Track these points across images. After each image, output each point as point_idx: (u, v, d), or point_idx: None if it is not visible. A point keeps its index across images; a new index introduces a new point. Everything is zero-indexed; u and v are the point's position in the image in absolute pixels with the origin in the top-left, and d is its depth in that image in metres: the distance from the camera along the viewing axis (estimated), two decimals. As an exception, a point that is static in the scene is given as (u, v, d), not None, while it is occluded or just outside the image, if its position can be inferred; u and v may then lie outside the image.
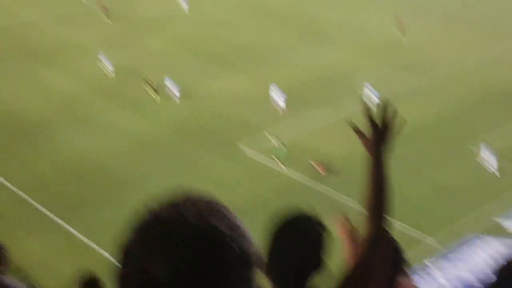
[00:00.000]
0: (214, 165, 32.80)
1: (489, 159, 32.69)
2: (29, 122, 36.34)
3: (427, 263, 25.26)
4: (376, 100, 34.01)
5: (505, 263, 2.64)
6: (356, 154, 33.43)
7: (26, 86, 40.48)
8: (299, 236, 2.94)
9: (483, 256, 23.88)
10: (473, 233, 27.52)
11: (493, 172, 32.33)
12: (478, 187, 31.29)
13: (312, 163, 32.02)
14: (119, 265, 1.55)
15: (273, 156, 33.14)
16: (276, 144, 33.63)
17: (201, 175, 31.33)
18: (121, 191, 30.19)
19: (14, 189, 30.51)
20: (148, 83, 38.59)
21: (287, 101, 38.22)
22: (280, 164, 32.94)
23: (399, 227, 27.89)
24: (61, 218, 28.70)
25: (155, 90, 38.39)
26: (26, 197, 29.99)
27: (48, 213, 28.99)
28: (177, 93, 38.76)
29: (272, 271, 2.90)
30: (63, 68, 43.04)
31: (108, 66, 41.85)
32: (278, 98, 37.52)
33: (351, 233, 3.39)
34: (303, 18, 52.03)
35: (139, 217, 1.56)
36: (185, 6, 53.54)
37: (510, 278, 2.60)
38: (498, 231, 27.26)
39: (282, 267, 2.89)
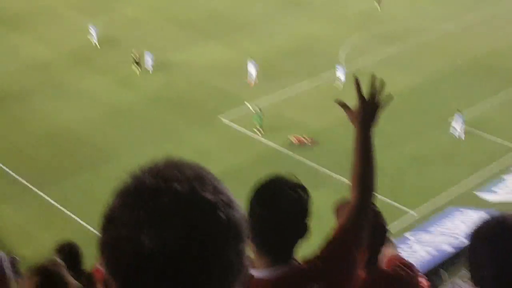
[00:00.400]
0: (191, 134, 32.69)
1: (458, 127, 33.18)
2: (2, 89, 35.73)
3: (407, 235, 25.54)
4: (343, 76, 33.97)
5: (476, 227, 2.64)
6: (332, 123, 33.77)
7: (-2, 52, 39.73)
8: (282, 200, 2.83)
9: (462, 228, 24.21)
10: (452, 205, 27.83)
11: (459, 137, 33.00)
12: (455, 158, 31.66)
13: (290, 137, 31.99)
14: (102, 231, 1.50)
15: (253, 123, 33.20)
16: (253, 111, 33.59)
17: (179, 144, 31.23)
18: (97, 160, 30.00)
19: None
20: (133, 58, 37.75)
21: (262, 70, 38.05)
22: (257, 131, 32.97)
23: (378, 199, 28.16)
24: (37, 187, 28.47)
25: (138, 64, 37.69)
26: (1, 165, 29.66)
27: (24, 181, 28.72)
28: (151, 63, 38.35)
29: (255, 238, 2.81)
30: (35, 34, 42.22)
31: (94, 37, 40.95)
32: (252, 70, 37.17)
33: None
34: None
35: (122, 183, 1.51)
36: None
37: (478, 239, 2.56)
38: (478, 204, 27.58)
39: (267, 233, 2.80)
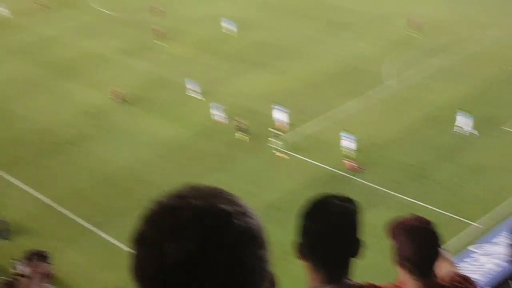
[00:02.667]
0: (246, 162, 32.79)
1: (465, 125, 33.36)
2: (61, 136, 36.74)
3: (472, 249, 24.76)
4: (353, 144, 32.29)
5: None
6: (384, 140, 33.40)
7: (54, 100, 40.91)
8: (330, 213, 2.78)
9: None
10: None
11: (471, 133, 32.98)
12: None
13: (344, 161, 31.62)
14: (131, 255, 1.60)
15: (280, 149, 33.31)
16: (278, 136, 33.61)
17: (234, 174, 31.34)
18: (155, 196, 30.31)
19: (50, 201, 30.91)
20: (237, 126, 35.04)
21: (310, 93, 38.07)
22: (284, 155, 33.13)
23: (439, 214, 27.61)
24: (97, 227, 29.00)
25: (244, 131, 34.79)
26: (61, 209, 30.37)
27: (84, 223, 29.31)
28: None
29: (310, 255, 2.79)
30: (87, 79, 43.43)
31: (195, 90, 39.83)
32: (279, 115, 36.23)
33: None
34: (322, 11, 51.75)
35: (149, 208, 1.65)
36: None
37: None
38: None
39: (319, 249, 2.77)
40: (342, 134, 32.33)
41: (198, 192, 1.62)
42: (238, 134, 34.46)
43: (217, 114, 36.52)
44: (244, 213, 1.60)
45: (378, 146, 33.32)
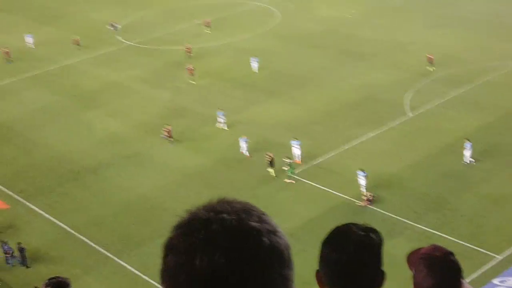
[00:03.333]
0: (263, 191, 32.86)
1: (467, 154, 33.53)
2: (80, 164, 37.16)
3: (495, 282, 24.45)
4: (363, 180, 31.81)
5: None
6: (402, 169, 33.24)
7: (74, 129, 41.47)
8: (353, 243, 2.72)
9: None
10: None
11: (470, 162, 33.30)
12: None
13: (359, 203, 31.46)
14: (162, 260, 1.69)
15: (288, 175, 33.58)
16: (287, 163, 33.66)
17: (251, 201, 31.39)
18: (173, 224, 30.44)
19: (69, 229, 31.18)
20: (268, 161, 34.26)
21: (327, 124, 38.23)
22: (291, 181, 33.47)
23: (461, 245, 27.29)
24: (117, 255, 29.16)
25: (272, 165, 34.20)
26: (81, 236, 30.60)
27: (103, 250, 29.50)
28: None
29: (331, 285, 2.72)
30: (107, 109, 44.02)
31: (221, 121, 39.50)
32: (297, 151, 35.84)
33: None
34: (336, 41, 52.12)
35: (180, 218, 1.74)
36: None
37: None
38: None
39: (341, 280, 2.70)
40: (358, 172, 32.00)
41: (230, 207, 1.69)
42: (269, 170, 34.08)
43: (243, 147, 36.63)
44: (273, 232, 1.66)
45: (395, 175, 33.25)
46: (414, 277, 3.38)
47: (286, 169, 33.71)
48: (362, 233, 2.75)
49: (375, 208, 30.81)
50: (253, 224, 1.65)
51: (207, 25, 56.08)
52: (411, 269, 3.47)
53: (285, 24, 57.16)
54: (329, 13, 58.07)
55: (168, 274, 1.65)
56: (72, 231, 30.95)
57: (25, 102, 45.78)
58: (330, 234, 2.81)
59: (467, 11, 55.52)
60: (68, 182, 35.44)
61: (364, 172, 31.66)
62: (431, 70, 42.75)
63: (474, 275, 25.15)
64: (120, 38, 57.10)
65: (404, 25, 53.89)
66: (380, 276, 2.75)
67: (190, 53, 50.40)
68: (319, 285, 2.77)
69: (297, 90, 43.80)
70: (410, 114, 39.37)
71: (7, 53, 52.67)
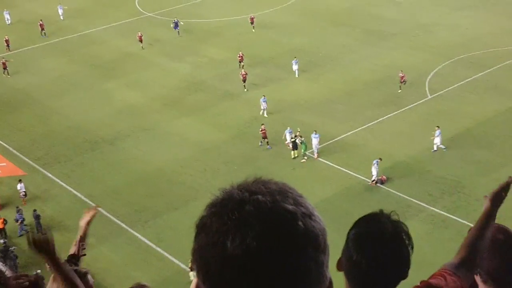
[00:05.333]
0: (278, 167, 32.83)
1: (437, 141, 33.23)
2: (97, 134, 37.35)
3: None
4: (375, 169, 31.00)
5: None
6: (420, 152, 32.93)
7: (92, 99, 41.61)
8: (386, 254, 2.63)
9: None
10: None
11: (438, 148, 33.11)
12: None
13: (371, 181, 31.34)
14: (194, 239, 1.64)
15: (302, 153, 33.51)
16: (299, 142, 33.52)
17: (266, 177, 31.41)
18: (188, 198, 30.64)
19: (84, 198, 31.42)
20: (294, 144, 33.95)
21: (348, 103, 37.98)
22: (304, 159, 33.45)
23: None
24: (131, 227, 29.39)
25: (294, 147, 33.84)
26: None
27: (119, 222, 29.73)
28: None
29: (352, 283, 2.68)
30: (126, 80, 44.06)
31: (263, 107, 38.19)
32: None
33: None
34: (360, 20, 51.57)
35: (214, 196, 1.67)
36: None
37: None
38: None
39: (365, 283, 2.65)
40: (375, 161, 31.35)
41: (266, 188, 1.64)
42: (292, 152, 33.85)
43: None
44: (308, 215, 1.62)
45: (412, 157, 33.04)
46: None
47: (303, 147, 33.64)
48: (395, 243, 2.66)
49: (390, 190, 30.69)
50: (288, 206, 1.60)
51: (251, 22, 50.94)
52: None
53: (307, 0, 56.62)
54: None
55: (199, 254, 1.62)
56: (88, 201, 31.18)
57: (44, 70, 45.93)
58: (360, 236, 2.68)
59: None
60: (85, 152, 35.66)
61: (378, 161, 31.28)
62: (399, 91, 39.08)
63: None
64: (141, 8, 56.93)
65: (429, 6, 53.13)
66: (407, 268, 2.74)
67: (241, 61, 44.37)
68: (338, 270, 2.69)
69: (318, 68, 43.49)
70: (430, 96, 38.99)
71: (41, 25, 52.17)
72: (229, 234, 1.56)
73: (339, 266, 2.69)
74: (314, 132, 33.94)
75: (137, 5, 58.01)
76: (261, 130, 34.86)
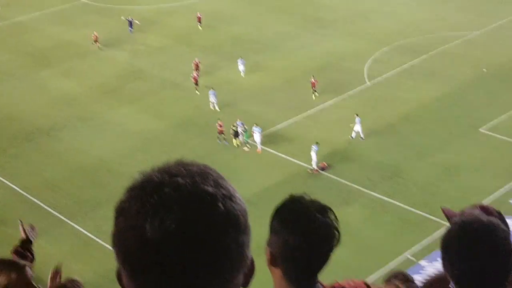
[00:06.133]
0: (222, 157, 32.78)
1: (357, 129, 33.68)
2: (33, 124, 36.35)
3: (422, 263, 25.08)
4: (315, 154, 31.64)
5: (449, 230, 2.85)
6: (357, 139, 33.50)
7: (27, 88, 40.46)
8: (314, 226, 2.68)
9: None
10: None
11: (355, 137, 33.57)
12: (487, 166, 31.18)
13: (312, 169, 31.61)
14: (114, 224, 1.61)
15: (245, 141, 33.65)
16: (242, 130, 33.71)
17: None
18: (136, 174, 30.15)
19: (22, 191, 30.58)
20: (233, 130, 33.85)
21: (288, 90, 38.18)
22: (245, 147, 33.60)
23: (413, 213, 27.87)
24: (70, 219, 28.78)
25: (236, 135, 34.04)
26: (34, 199, 30.07)
27: (57, 214, 29.07)
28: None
29: (283, 263, 2.71)
30: (62, 68, 43.01)
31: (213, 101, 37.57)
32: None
33: None
34: (300, 7, 51.83)
35: (133, 180, 1.66)
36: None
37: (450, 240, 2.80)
38: None
39: (296, 260, 2.69)
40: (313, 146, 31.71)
41: (186, 170, 1.62)
42: (234, 140, 33.90)
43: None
44: (229, 197, 1.59)
45: (352, 143, 33.54)
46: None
47: (245, 135, 33.66)
48: (322, 216, 2.72)
49: (331, 176, 31.07)
50: (208, 188, 1.57)
51: (199, 20, 48.52)
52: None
53: (246, -12, 56.48)
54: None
55: (118, 238, 1.59)
56: (24, 193, 30.37)
57: (-24, 59, 44.34)
58: (284, 214, 2.74)
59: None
60: (20, 143, 34.64)
61: (317, 147, 31.58)
62: (313, 98, 38.07)
63: (425, 242, 25.71)
64: (76, -4, 55.60)
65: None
66: (331, 252, 2.77)
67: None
68: (271, 264, 2.73)
69: (258, 56, 43.48)
70: (368, 83, 39.60)
71: None
72: (148, 217, 1.53)
73: (273, 262, 2.71)
74: (255, 125, 33.67)
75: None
76: (219, 126, 33.94)
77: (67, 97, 39.31)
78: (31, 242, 5.31)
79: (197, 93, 38.58)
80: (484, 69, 40.04)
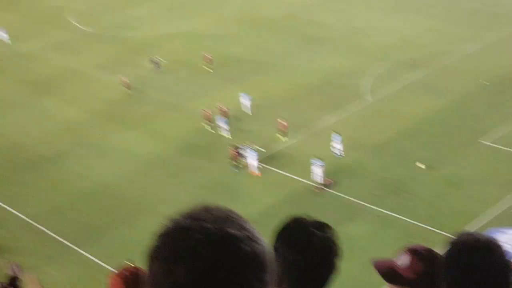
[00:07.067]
0: (226, 176, 32.88)
1: (336, 146, 33.72)
2: (37, 152, 36.54)
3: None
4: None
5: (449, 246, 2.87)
6: (363, 154, 33.58)
7: (30, 117, 40.71)
8: (311, 242, 2.78)
9: (506, 248, 23.48)
10: (493, 226, 27.30)
11: (340, 155, 33.60)
12: (491, 178, 31.23)
13: (318, 185, 31.71)
14: (147, 268, 1.77)
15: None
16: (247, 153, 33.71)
17: (213, 189, 31.41)
18: (135, 213, 30.33)
19: (28, 219, 30.66)
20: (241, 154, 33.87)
21: (288, 108, 38.40)
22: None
23: (417, 226, 27.89)
24: (78, 246, 28.82)
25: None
26: (40, 226, 30.14)
27: (65, 241, 29.11)
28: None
29: (285, 282, 2.77)
30: (65, 95, 43.32)
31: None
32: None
33: None
34: (296, 26, 52.24)
35: (162, 225, 1.80)
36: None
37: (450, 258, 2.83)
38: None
39: (298, 277, 2.76)
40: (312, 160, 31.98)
41: (210, 215, 1.76)
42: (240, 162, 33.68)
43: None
44: (251, 238, 1.75)
45: (355, 160, 33.65)
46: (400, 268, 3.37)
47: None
48: (319, 232, 2.82)
49: (335, 192, 31.15)
50: (233, 231, 1.73)
51: (209, 62, 45.52)
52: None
53: (244, 8, 57.00)
54: (288, -2, 58.14)
55: (153, 281, 1.73)
56: (31, 222, 30.47)
57: (-21, 90, 44.70)
58: (284, 233, 2.84)
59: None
60: (26, 172, 34.82)
61: (320, 161, 31.74)
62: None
63: None
64: (77, 24, 56.13)
65: (362, 10, 54.29)
66: (335, 268, 2.85)
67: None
68: (276, 285, 2.71)
69: (257, 76, 43.77)
70: (370, 99, 39.82)
71: None
72: (179, 262, 1.68)
73: (277, 282, 2.77)
74: (249, 147, 33.50)
75: (70, 20, 57.09)
76: (235, 150, 33.60)
77: (70, 124, 39.56)
78: (18, 278, 5.83)
79: (207, 123, 37.73)
80: (485, 82, 40.23)
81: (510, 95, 38.57)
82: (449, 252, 2.85)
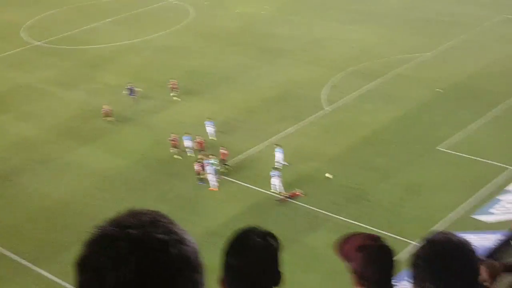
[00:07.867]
0: (185, 191, 32.57)
1: (278, 158, 33.77)
2: (-9, 170, 35.63)
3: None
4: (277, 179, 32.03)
5: (421, 246, 3.10)
6: (323, 163, 33.70)
7: (-17, 134, 39.74)
8: (251, 249, 2.97)
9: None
10: (452, 231, 27.60)
11: (284, 164, 33.47)
12: (448, 184, 31.70)
13: (283, 196, 31.62)
14: (76, 277, 1.73)
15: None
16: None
17: (175, 204, 31.06)
18: (93, 228, 29.69)
19: (-18, 240, 29.80)
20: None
21: (248, 120, 38.34)
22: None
23: (379, 234, 28.04)
24: (35, 264, 28.10)
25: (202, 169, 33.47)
26: (-5, 247, 29.33)
27: (20, 259, 28.37)
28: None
29: (233, 285, 2.94)
30: (19, 112, 42.41)
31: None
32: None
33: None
34: (253, 39, 52.38)
35: (89, 234, 1.79)
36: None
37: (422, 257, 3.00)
38: (477, 226, 27.40)
39: (242, 284, 2.92)
40: (272, 173, 32.05)
41: (137, 221, 1.74)
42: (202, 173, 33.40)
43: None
44: (179, 241, 1.73)
45: (315, 169, 33.74)
46: (351, 267, 3.66)
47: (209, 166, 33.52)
48: (259, 239, 3.00)
49: (297, 202, 31.14)
50: (161, 236, 1.71)
51: (174, 88, 43.14)
52: (347, 261, 3.74)
53: (199, 21, 56.90)
54: (244, 10, 58.28)
55: None
56: (-15, 241, 29.60)
57: None
58: (230, 242, 3.03)
59: (378, 5, 57.08)
60: (-21, 190, 33.87)
61: (276, 172, 31.66)
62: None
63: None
64: (27, 38, 55.14)
65: (318, 21, 54.77)
66: (277, 276, 3.00)
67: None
68: None
69: (216, 89, 43.64)
70: (328, 109, 40.07)
71: None
72: (107, 271, 1.65)
73: (221, 285, 2.98)
74: (209, 159, 33.15)
75: (21, 35, 56.04)
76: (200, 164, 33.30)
77: (25, 140, 38.71)
78: None
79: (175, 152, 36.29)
80: (439, 89, 40.95)
81: (465, 102, 39.31)
82: (422, 249, 3.05)
